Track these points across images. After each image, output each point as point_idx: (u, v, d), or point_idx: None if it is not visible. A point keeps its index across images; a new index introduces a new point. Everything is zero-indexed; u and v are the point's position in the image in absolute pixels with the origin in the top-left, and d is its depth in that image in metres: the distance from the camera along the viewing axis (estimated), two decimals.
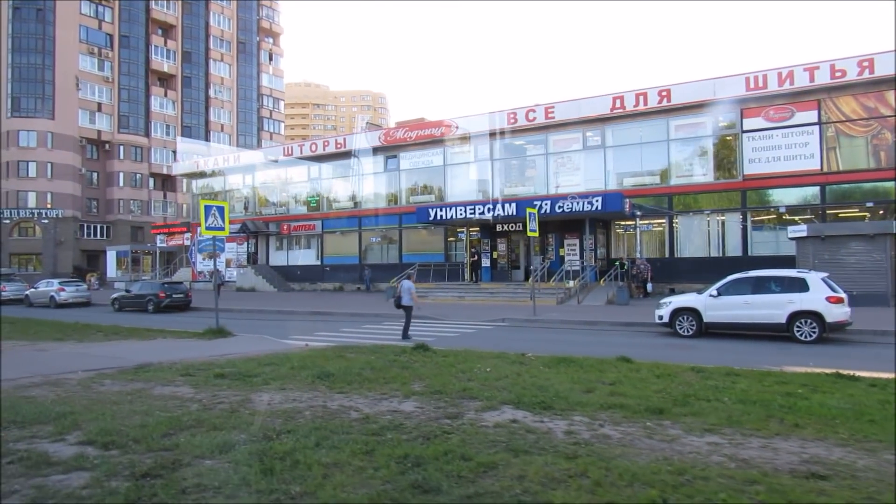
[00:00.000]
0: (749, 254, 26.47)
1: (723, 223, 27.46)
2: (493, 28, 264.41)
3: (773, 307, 14.34)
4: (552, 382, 8.06)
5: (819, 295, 13.96)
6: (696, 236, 28.06)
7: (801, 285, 14.26)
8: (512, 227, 30.04)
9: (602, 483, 4.24)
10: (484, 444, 5.18)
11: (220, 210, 16.01)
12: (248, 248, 42.32)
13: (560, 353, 10.99)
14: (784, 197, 26.26)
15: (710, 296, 15.10)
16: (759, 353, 12.79)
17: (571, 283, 25.41)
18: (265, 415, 6.26)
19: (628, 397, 7.12)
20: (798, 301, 14.06)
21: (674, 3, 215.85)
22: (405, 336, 15.06)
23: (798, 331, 14.00)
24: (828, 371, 9.04)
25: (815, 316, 13.87)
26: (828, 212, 25.24)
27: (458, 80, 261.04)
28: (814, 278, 14.35)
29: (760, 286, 14.85)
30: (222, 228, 16.08)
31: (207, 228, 15.67)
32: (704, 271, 26.60)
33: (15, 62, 59.13)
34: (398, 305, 15.65)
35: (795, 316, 14.07)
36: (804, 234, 21.34)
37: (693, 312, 15.32)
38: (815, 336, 13.80)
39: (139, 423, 5.87)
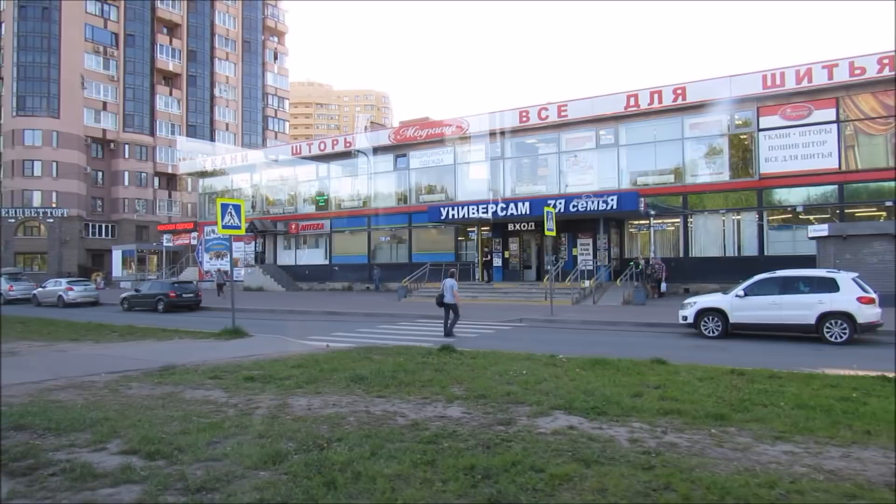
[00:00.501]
0: (765, 253, 26.14)
1: (738, 222, 27.14)
2: (498, 27, 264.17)
3: (802, 308, 14.05)
4: (595, 386, 7.77)
5: (850, 295, 13.66)
6: (710, 236, 27.73)
7: (830, 285, 13.96)
8: (524, 226, 29.75)
9: (691, 497, 3.96)
10: (549, 454, 4.90)
11: (237, 208, 15.75)
12: (255, 247, 42.07)
13: (588, 354, 10.70)
14: (801, 196, 25.92)
15: (737, 296, 14.80)
16: (790, 354, 12.49)
17: (587, 283, 25.11)
18: (309, 421, 5.98)
19: (681, 402, 6.84)
20: (828, 301, 13.77)
21: (682, 2, 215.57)
22: (448, 333, 15.25)
23: (828, 332, 13.72)
24: (872, 374, 8.75)
25: (846, 317, 13.57)
26: (846, 211, 24.92)
27: (462, 80, 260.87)
28: (844, 278, 14.04)
29: (788, 286, 14.56)
30: (239, 227, 15.82)
31: (224, 227, 15.39)
32: (719, 271, 26.35)
33: (20, 61, 58.89)
34: (440, 303, 15.74)
35: (825, 317, 13.77)
36: (825, 233, 20.98)
37: (719, 313, 15.02)
38: (845, 337, 13.50)
39: (179, 429, 5.59)
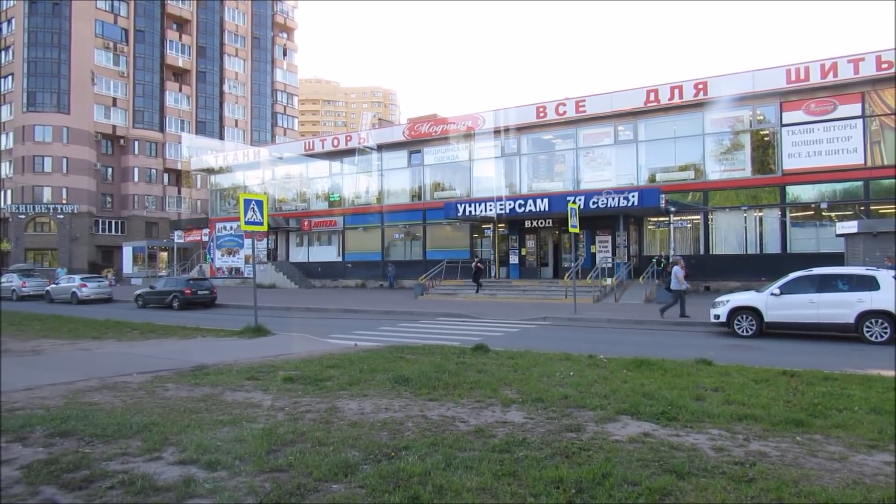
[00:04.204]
0: (788, 251, 25.72)
1: (760, 219, 26.71)
2: (506, 24, 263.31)
3: (840, 306, 13.70)
4: (651, 389, 7.43)
5: (891, 294, 13.28)
6: (731, 233, 27.31)
7: (871, 284, 13.59)
8: (541, 223, 29.40)
9: None
10: (634, 464, 4.57)
11: (259, 204, 15.45)
12: (267, 244, 41.81)
13: (627, 354, 10.39)
14: (825, 192, 25.46)
15: (772, 294, 14.44)
16: (831, 354, 12.12)
17: (609, 281, 24.75)
18: (366, 427, 5.66)
19: (749, 407, 6.50)
20: (868, 300, 13.41)
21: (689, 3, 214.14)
22: (683, 314, 17.56)
23: (868, 331, 13.36)
24: None
25: (887, 316, 13.22)
26: (871, 207, 24.47)
27: (469, 77, 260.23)
28: (885, 276, 13.66)
29: (826, 284, 14.17)
30: (261, 223, 15.51)
31: (247, 223, 15.11)
32: (741, 269, 25.98)
33: (31, 57, 58.69)
34: (668, 289, 18.45)
35: (865, 316, 13.42)
36: (854, 230, 20.55)
37: (753, 312, 14.66)
38: (886, 337, 13.16)
39: (233, 436, 5.28)
